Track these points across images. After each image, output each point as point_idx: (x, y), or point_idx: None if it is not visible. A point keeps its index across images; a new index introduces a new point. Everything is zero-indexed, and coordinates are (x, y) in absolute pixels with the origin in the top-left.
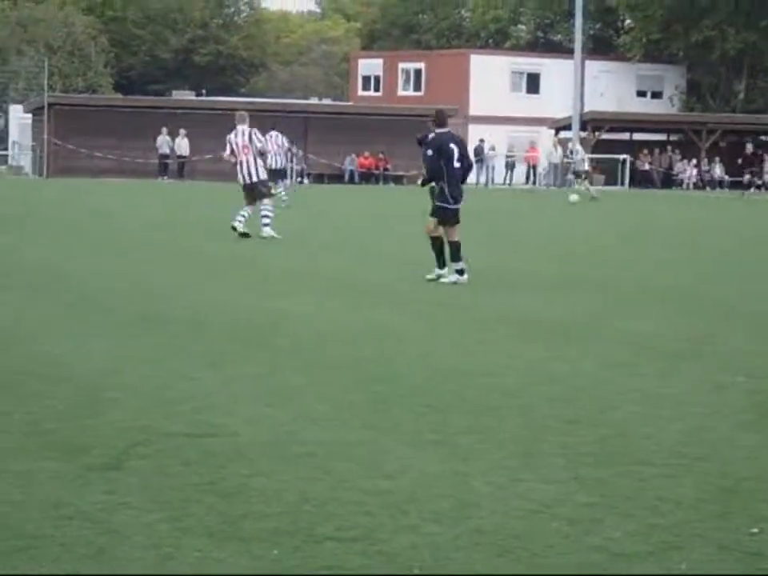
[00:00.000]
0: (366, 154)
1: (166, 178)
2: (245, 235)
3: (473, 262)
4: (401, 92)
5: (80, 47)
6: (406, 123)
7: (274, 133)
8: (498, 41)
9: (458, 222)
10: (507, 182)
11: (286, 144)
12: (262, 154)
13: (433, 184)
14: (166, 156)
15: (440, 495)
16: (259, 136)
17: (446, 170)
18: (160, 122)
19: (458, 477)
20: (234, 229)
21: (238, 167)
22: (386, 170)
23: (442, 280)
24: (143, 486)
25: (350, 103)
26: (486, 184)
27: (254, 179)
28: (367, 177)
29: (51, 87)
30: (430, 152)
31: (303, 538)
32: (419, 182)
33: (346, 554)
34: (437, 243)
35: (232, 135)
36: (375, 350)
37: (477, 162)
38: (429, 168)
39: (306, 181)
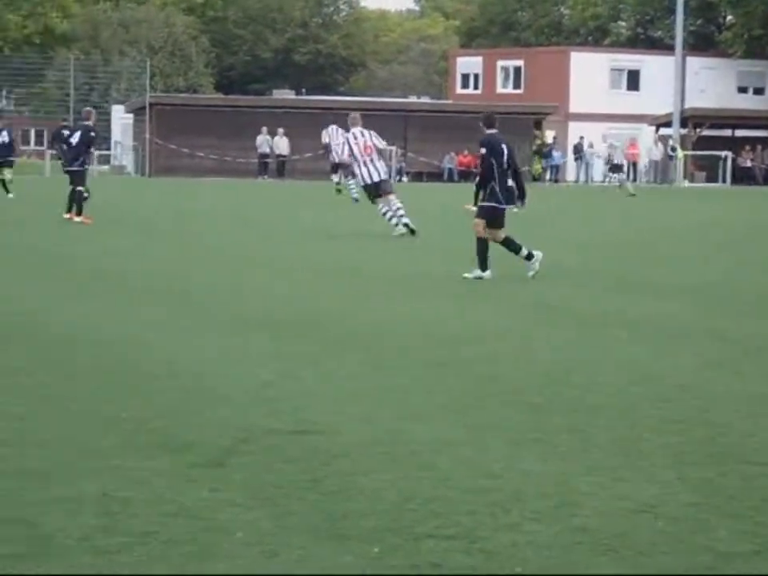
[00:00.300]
0: (465, 152)
1: (265, 177)
2: (412, 232)
3: (566, 261)
4: (500, 89)
5: (181, 47)
6: (505, 121)
7: (334, 127)
8: (597, 37)
9: (504, 225)
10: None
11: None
12: (380, 153)
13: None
14: (266, 155)
15: (541, 494)
16: (379, 137)
17: (496, 170)
18: (260, 122)
19: (559, 476)
20: (407, 226)
21: (361, 168)
22: None
23: (465, 275)
24: (246, 484)
25: (448, 101)
26: (586, 181)
27: (379, 178)
28: (466, 175)
29: (153, 87)
30: (483, 150)
31: (404, 536)
32: (475, 184)
33: (446, 552)
34: (484, 244)
35: (351, 137)
36: (477, 350)
37: (576, 159)
38: (482, 167)
39: (404, 179)
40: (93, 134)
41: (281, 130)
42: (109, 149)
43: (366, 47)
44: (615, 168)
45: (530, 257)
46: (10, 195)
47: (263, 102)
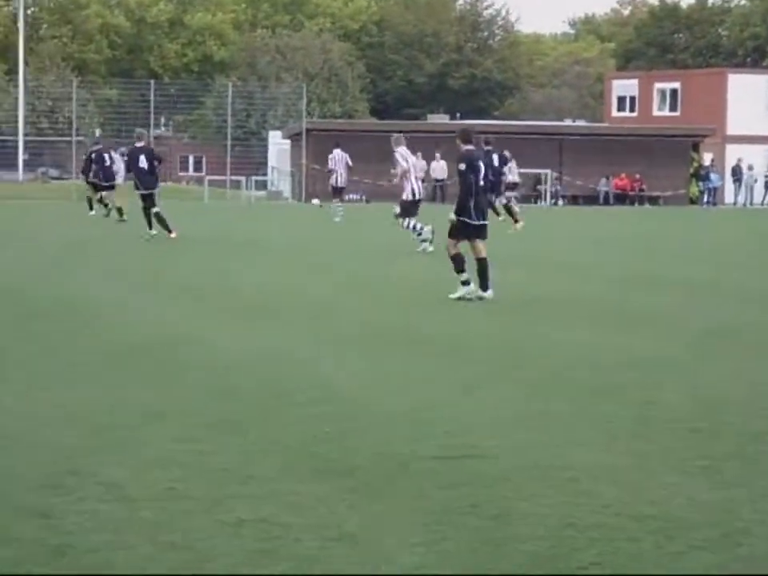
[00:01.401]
0: (622, 175)
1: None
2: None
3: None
4: (656, 112)
5: (337, 73)
6: (662, 143)
7: (338, 151)
8: (756, 58)
9: (481, 238)
10: (766, 201)
11: (349, 162)
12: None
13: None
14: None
15: (707, 522)
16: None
17: (473, 186)
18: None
19: (726, 503)
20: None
21: (411, 184)
22: (641, 190)
23: (450, 295)
24: (407, 509)
25: (604, 124)
26: (744, 204)
27: (420, 197)
28: (622, 198)
29: (309, 113)
30: (463, 166)
31: (565, 563)
32: (452, 215)
33: None
34: (457, 259)
35: (404, 153)
36: (638, 376)
37: (734, 181)
38: (462, 182)
39: (560, 203)
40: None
41: (438, 155)
42: (265, 174)
43: (521, 71)
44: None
45: (466, 282)
46: (92, 213)
47: (419, 127)
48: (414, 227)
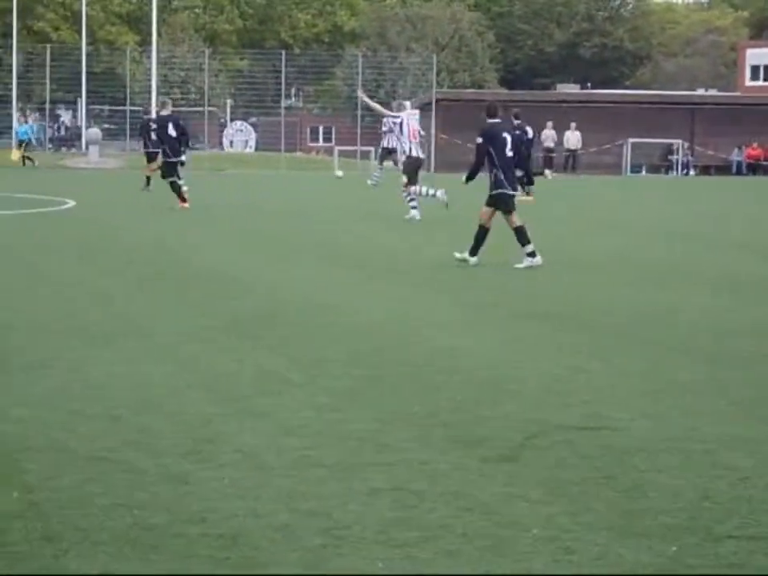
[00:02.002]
0: (754, 144)
1: (551, 171)
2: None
3: None
4: None
5: (467, 43)
6: None
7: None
8: None
9: (514, 208)
10: None
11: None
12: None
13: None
14: (551, 150)
15: None
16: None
17: (497, 158)
18: (545, 116)
19: None
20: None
21: (406, 144)
22: None
23: (516, 265)
24: (540, 479)
25: (737, 94)
26: None
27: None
28: (755, 168)
29: (438, 83)
30: (479, 140)
31: (703, 536)
32: (463, 178)
33: (749, 554)
34: (482, 232)
35: (403, 116)
36: (756, 343)
37: None
38: (477, 155)
39: (691, 173)
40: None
41: (573, 125)
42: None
43: (653, 40)
44: None
45: (532, 254)
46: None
47: (548, 97)
48: (427, 193)
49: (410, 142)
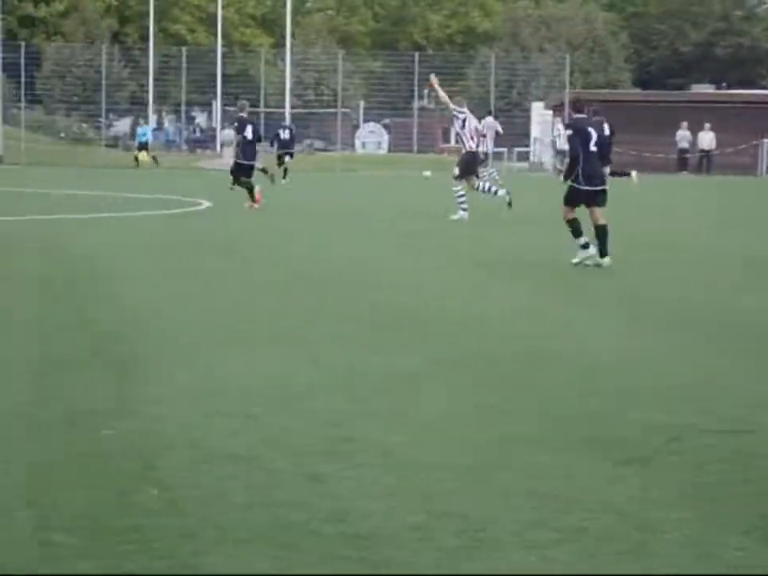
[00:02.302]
0: None
1: (685, 172)
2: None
3: None
4: None
5: (600, 43)
6: None
7: (490, 119)
8: None
9: (597, 204)
10: None
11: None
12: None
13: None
14: (685, 150)
15: None
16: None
17: (581, 153)
18: (679, 117)
19: None
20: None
21: (469, 139)
22: None
23: (572, 260)
24: (677, 483)
25: None
26: None
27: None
28: None
29: (572, 84)
30: (569, 132)
31: None
32: (561, 177)
33: None
34: (573, 225)
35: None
36: None
37: None
38: (570, 148)
39: None
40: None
41: (707, 125)
42: (527, 146)
43: None
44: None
45: (586, 246)
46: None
47: (683, 97)
48: (489, 190)
49: (472, 137)
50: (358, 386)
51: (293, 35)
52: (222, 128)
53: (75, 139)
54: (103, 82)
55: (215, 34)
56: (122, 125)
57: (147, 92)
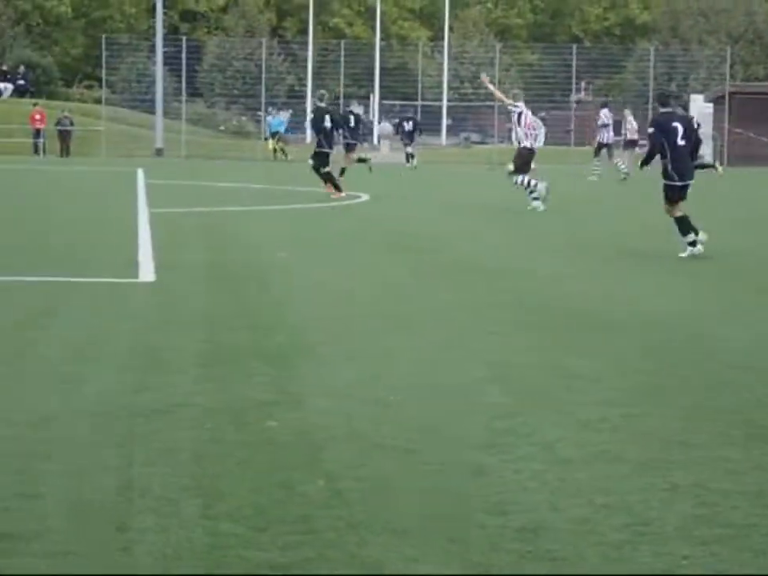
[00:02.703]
0: None
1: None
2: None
3: None
4: None
5: (761, 35)
6: None
7: (606, 111)
8: None
9: (682, 199)
10: None
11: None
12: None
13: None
14: None
15: None
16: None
17: (669, 148)
18: None
19: None
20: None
21: (527, 136)
22: None
23: (680, 254)
24: None
25: None
26: None
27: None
28: None
29: (732, 76)
30: (651, 129)
31: None
32: (639, 162)
33: None
34: (681, 221)
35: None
36: None
37: None
38: (650, 145)
39: None
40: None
41: None
42: None
43: None
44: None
45: (693, 243)
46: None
47: None
48: (528, 184)
49: (527, 133)
50: (516, 380)
51: (450, 28)
52: (380, 121)
53: (234, 132)
54: (262, 75)
55: (373, 28)
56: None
57: (305, 85)
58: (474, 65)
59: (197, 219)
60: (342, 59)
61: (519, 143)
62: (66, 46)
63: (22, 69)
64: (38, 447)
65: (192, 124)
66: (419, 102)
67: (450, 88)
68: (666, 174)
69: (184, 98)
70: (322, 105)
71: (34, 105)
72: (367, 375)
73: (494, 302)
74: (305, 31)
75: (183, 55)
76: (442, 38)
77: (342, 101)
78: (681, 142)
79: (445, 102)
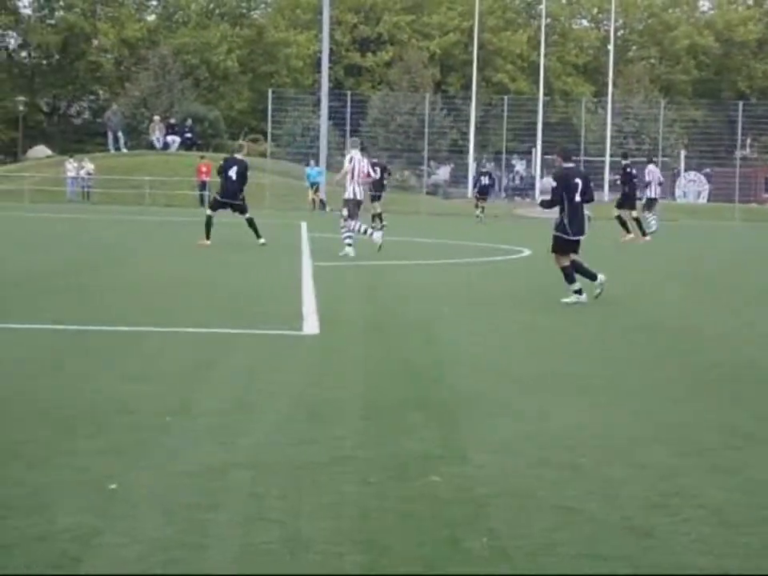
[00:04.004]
0: None
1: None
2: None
3: None
4: None
5: None
6: None
7: (652, 166)
8: None
9: (575, 252)
10: None
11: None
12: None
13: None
14: None
15: None
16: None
17: (567, 203)
18: None
19: None
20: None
21: (353, 185)
22: None
23: (563, 300)
24: None
25: None
26: None
27: (361, 198)
28: None
29: None
30: (554, 183)
31: None
32: (538, 201)
33: None
34: (569, 269)
35: (354, 156)
36: None
37: None
38: (552, 197)
39: None
40: (246, 168)
41: None
42: None
43: None
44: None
45: (579, 291)
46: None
47: None
48: (360, 229)
49: (358, 182)
50: (682, 440)
51: (614, 84)
52: (542, 176)
53: (397, 186)
54: (426, 129)
55: (537, 83)
56: (443, 172)
57: (468, 140)
58: (638, 120)
59: (360, 272)
60: (505, 114)
61: (349, 193)
62: (233, 99)
63: (189, 122)
64: (202, 498)
65: None
66: (582, 158)
67: (612, 143)
68: (560, 227)
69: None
70: (237, 156)
71: (201, 158)
72: (527, 431)
73: (662, 359)
74: (468, 86)
75: (348, 109)
76: (606, 94)
77: (504, 155)
78: (578, 198)
79: (608, 158)
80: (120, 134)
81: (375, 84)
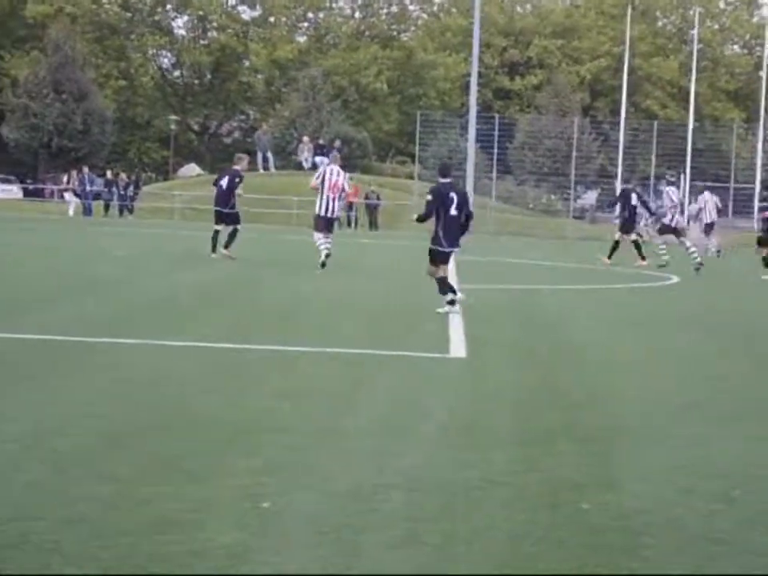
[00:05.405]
0: None
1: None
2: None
3: None
4: None
5: None
6: None
7: (707, 193)
8: None
9: (445, 263)
10: None
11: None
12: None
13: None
14: None
15: None
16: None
17: (442, 217)
18: None
19: None
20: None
21: (323, 200)
22: None
23: (437, 310)
24: None
25: None
26: None
27: (334, 215)
28: None
29: None
30: (429, 197)
31: None
32: (414, 217)
33: None
34: (441, 281)
35: (327, 171)
36: None
37: None
38: (426, 210)
39: None
40: (238, 179)
41: None
42: None
43: None
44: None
45: (452, 302)
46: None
47: None
48: (320, 244)
49: (328, 196)
50: None
51: (766, 110)
52: (689, 202)
53: (543, 210)
54: (573, 154)
55: (686, 109)
56: (589, 197)
57: (616, 165)
58: None
59: (507, 296)
60: (654, 140)
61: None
62: (381, 121)
63: (337, 143)
64: (353, 519)
65: (502, 201)
66: (731, 184)
67: (763, 170)
68: (436, 241)
69: (494, 174)
70: (234, 167)
71: (349, 179)
72: (678, 460)
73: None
74: (617, 111)
75: (495, 133)
76: (757, 120)
77: (651, 181)
78: (453, 212)
79: (758, 185)
80: (269, 154)
81: (523, 107)
